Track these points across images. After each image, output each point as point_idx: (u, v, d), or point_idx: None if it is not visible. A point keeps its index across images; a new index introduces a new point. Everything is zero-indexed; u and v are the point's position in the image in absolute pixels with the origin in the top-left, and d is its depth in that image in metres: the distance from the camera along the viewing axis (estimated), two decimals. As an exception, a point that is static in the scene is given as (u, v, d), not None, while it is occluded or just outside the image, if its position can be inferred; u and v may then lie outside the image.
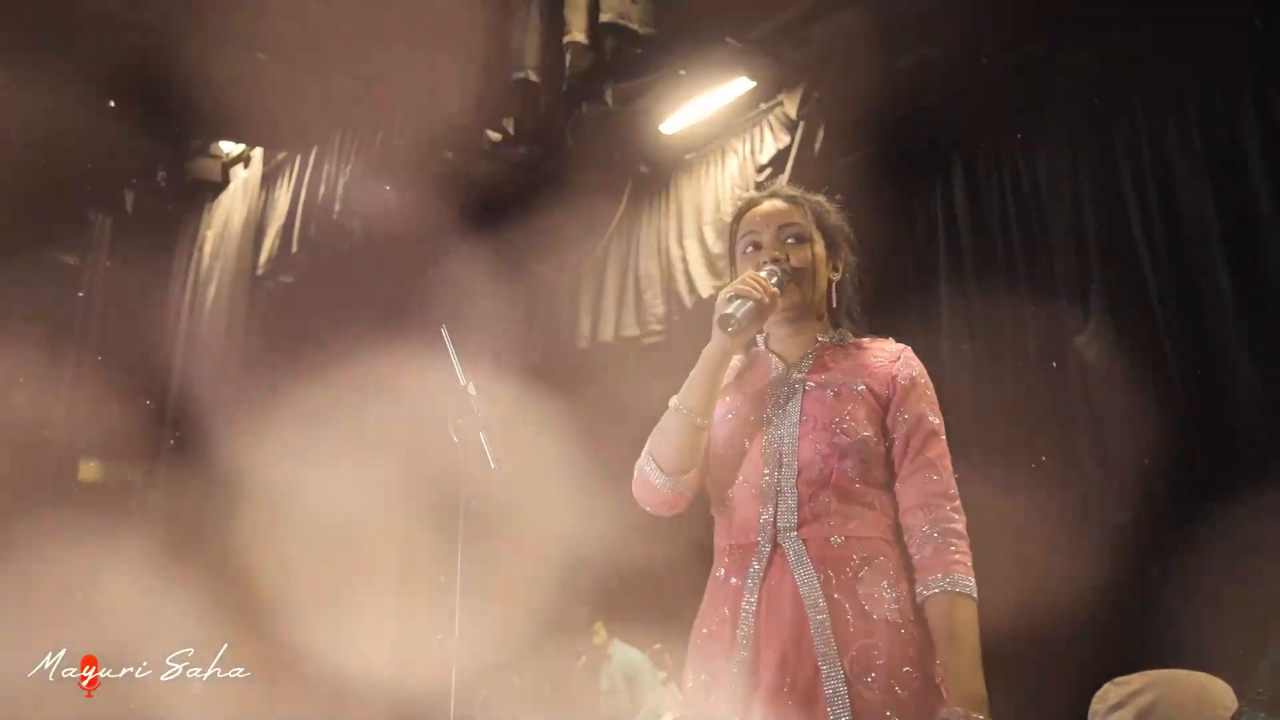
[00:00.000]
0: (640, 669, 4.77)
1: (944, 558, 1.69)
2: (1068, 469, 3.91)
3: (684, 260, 5.81)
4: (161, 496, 5.80)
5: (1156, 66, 4.26)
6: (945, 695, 1.64)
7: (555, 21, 4.07)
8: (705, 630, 1.77)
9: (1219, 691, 3.23)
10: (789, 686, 1.61)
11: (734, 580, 1.75)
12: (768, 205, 1.92)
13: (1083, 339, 4.14)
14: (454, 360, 2.15)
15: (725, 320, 1.75)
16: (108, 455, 6.43)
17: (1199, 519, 3.36)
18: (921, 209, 4.99)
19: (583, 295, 6.25)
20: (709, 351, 1.80)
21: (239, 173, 6.37)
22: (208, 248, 6.48)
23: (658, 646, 4.79)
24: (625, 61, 4.39)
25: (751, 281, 1.77)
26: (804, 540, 1.71)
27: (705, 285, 5.65)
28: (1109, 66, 4.34)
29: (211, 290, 6.25)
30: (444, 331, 2.13)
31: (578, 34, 3.94)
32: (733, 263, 1.97)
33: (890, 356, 1.87)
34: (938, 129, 4.83)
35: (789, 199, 1.93)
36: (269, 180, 6.28)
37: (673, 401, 1.81)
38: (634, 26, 3.92)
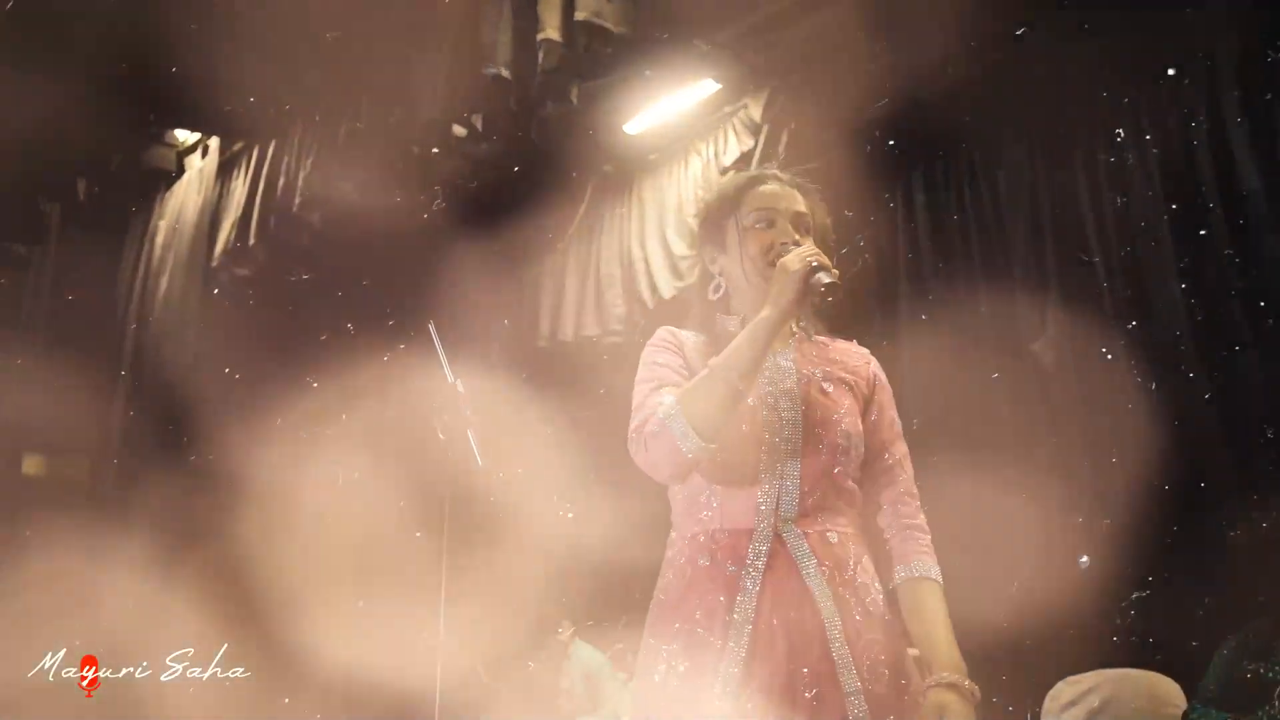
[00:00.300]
0: (600, 669, 4.76)
1: (911, 547, 1.77)
2: (1024, 471, 3.99)
3: (646, 261, 5.82)
4: (110, 490, 5.68)
5: (1113, 79, 4.37)
6: (928, 669, 1.67)
7: (528, 18, 4.05)
8: (687, 615, 1.67)
9: (1169, 690, 3.33)
10: (803, 679, 1.60)
11: (730, 567, 1.67)
12: (779, 188, 1.85)
13: (1039, 345, 4.23)
14: (441, 357, 2.11)
15: (833, 289, 1.66)
16: (51, 449, 6.30)
17: (1153, 522, 3.45)
18: (883, 215, 5.06)
19: (543, 294, 6.24)
20: (769, 318, 1.68)
21: (194, 162, 6.26)
22: (159, 238, 6.36)
23: (619, 646, 4.77)
24: (594, 61, 4.38)
25: (826, 256, 1.71)
26: (803, 533, 1.70)
27: (667, 286, 5.67)
28: (1068, 78, 4.44)
29: (164, 281, 6.13)
30: (432, 328, 2.09)
31: (552, 31, 3.93)
32: (721, 233, 1.86)
33: (863, 357, 1.91)
34: (901, 136, 4.90)
35: (799, 187, 1.87)
36: (225, 171, 6.17)
37: (712, 364, 1.69)
38: (609, 26, 3.92)
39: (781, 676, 1.59)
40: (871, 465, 1.82)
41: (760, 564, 1.67)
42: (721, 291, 1.86)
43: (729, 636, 1.62)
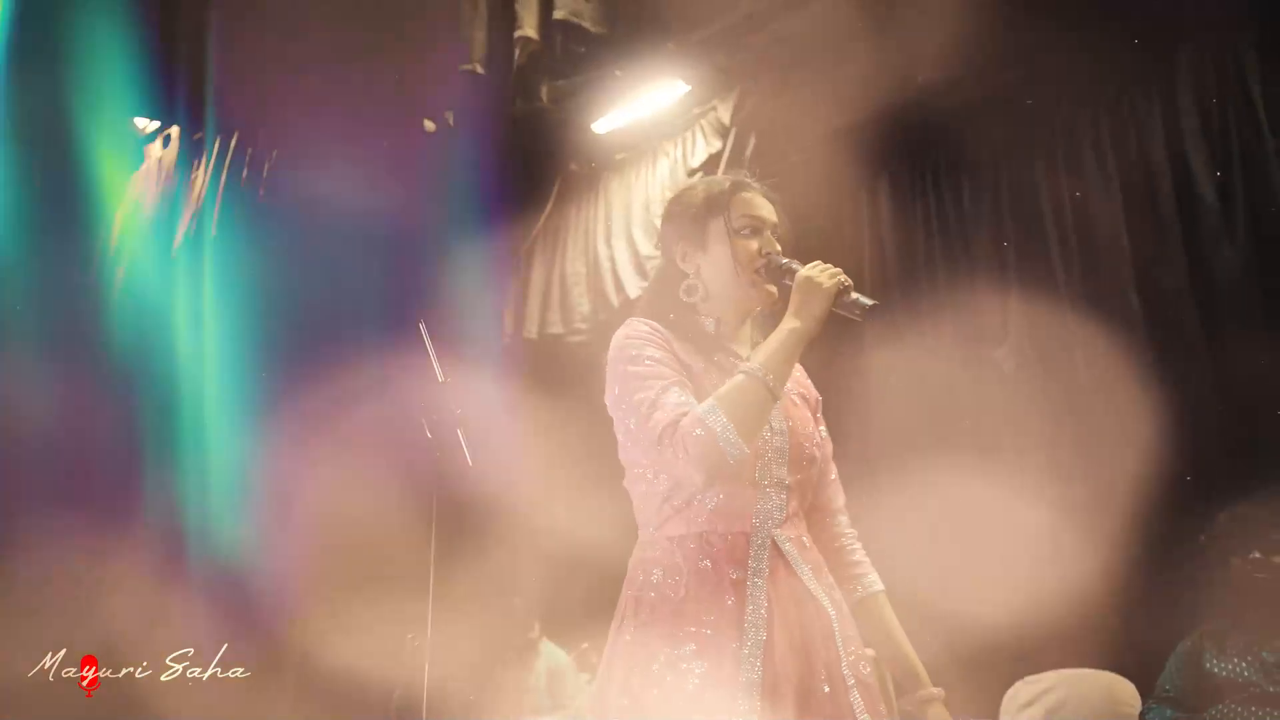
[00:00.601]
0: (564, 669, 4.76)
1: (859, 559, 1.90)
2: (984, 475, 4.05)
3: (612, 260, 5.84)
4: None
5: (1074, 92, 4.46)
6: (908, 680, 1.82)
7: (505, 16, 4.04)
8: (695, 618, 1.68)
9: (1124, 690, 3.42)
10: (818, 676, 1.66)
11: (732, 569, 1.71)
12: (759, 197, 1.90)
13: (1001, 352, 4.31)
14: (431, 355, 2.10)
15: (873, 311, 1.71)
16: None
17: (1112, 524, 3.53)
18: (847, 222, 5.12)
19: (508, 291, 6.23)
20: (802, 331, 1.72)
21: (154, 150, 6.15)
22: (116, 227, 6.24)
23: (585, 646, 4.77)
24: (567, 60, 4.39)
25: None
26: (788, 537, 1.76)
27: (633, 286, 5.68)
28: (1031, 90, 4.52)
29: (120, 271, 6.02)
30: (421, 327, 2.08)
31: (529, 29, 3.93)
32: (704, 234, 1.88)
33: (804, 373, 1.98)
34: (866, 144, 4.95)
35: (774, 203, 1.92)
36: (186, 160, 6.07)
37: (748, 369, 1.70)
38: (586, 25, 3.93)
39: (800, 675, 1.65)
40: (817, 480, 1.90)
41: (764, 567, 1.71)
42: (699, 293, 1.87)
43: (745, 639, 1.65)
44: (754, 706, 1.60)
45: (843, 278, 1.74)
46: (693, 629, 1.67)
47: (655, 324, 1.83)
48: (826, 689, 1.65)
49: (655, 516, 1.78)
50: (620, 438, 1.82)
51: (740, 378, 1.69)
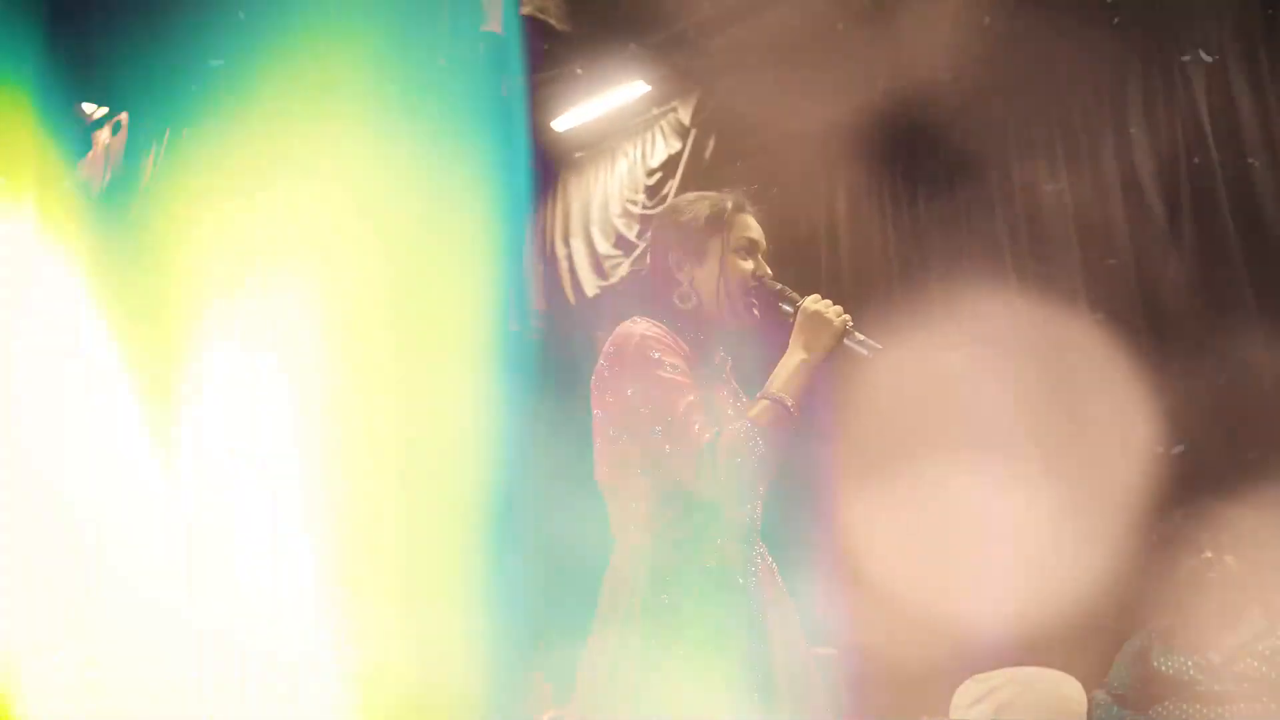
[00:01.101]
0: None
1: None
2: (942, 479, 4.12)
3: (570, 259, 5.84)
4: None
5: (1028, 104, 4.55)
6: None
7: (470, 9, 4.02)
8: (714, 624, 1.75)
9: (1071, 688, 3.50)
10: (810, 671, 1.80)
11: (740, 580, 1.79)
12: (755, 221, 1.98)
13: (956, 357, 4.38)
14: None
15: (872, 353, 1.81)
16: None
17: (1058, 529, 3.61)
18: (805, 227, 5.17)
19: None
20: (813, 364, 1.81)
21: (102, 137, 6.01)
22: (60, 215, 6.09)
23: (540, 645, 4.74)
24: (530, 56, 4.37)
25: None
26: (760, 544, 1.89)
27: (591, 284, 5.69)
28: (987, 99, 4.60)
29: (65, 260, 5.87)
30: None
31: (494, 24, 3.91)
32: (703, 249, 1.94)
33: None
34: (825, 148, 5.00)
35: (761, 225, 2.00)
36: (135, 148, 5.94)
37: (774, 394, 1.79)
38: (552, 21, 3.92)
39: (790, 672, 1.76)
40: None
41: (755, 571, 1.82)
42: (692, 301, 1.92)
43: (752, 640, 1.74)
44: (760, 705, 1.69)
45: (848, 319, 1.82)
46: (710, 633, 1.72)
47: (664, 327, 1.87)
48: (812, 680, 1.78)
49: (654, 520, 1.81)
50: (613, 434, 1.84)
51: (767, 404, 1.77)
